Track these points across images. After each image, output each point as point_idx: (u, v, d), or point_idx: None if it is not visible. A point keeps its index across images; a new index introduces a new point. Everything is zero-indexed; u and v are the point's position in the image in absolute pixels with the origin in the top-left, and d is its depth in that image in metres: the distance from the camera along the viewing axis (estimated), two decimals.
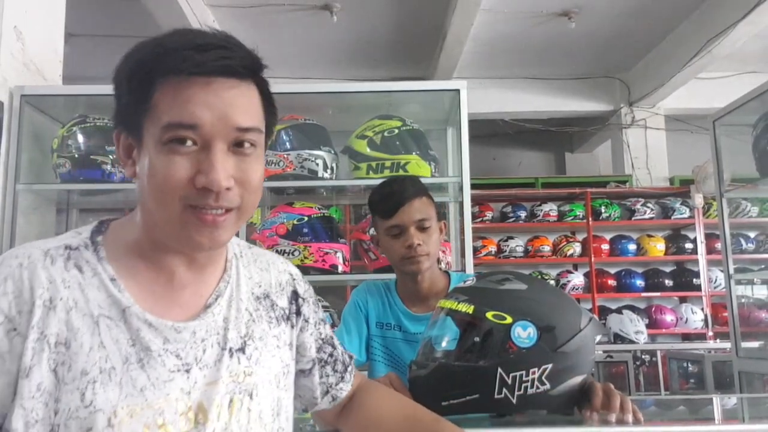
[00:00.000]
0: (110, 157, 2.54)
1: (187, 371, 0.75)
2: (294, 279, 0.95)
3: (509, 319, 1.12)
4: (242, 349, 0.81)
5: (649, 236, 5.74)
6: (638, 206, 5.71)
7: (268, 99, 0.80)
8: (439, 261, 2.46)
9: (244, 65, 0.75)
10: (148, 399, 0.72)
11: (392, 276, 1.72)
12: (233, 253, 0.88)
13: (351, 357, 1.04)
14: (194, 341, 0.77)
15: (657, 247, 5.65)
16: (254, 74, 0.78)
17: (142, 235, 0.79)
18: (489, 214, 5.82)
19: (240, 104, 0.74)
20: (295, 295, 0.93)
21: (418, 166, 2.52)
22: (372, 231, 2.58)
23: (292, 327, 0.91)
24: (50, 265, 0.74)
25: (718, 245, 3.69)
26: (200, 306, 0.80)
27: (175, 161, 0.72)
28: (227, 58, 0.73)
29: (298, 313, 0.92)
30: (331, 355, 0.97)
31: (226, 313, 0.82)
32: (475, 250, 5.45)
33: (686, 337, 5.54)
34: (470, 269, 2.44)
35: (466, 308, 1.15)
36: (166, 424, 0.72)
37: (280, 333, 0.87)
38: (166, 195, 0.72)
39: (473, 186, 2.53)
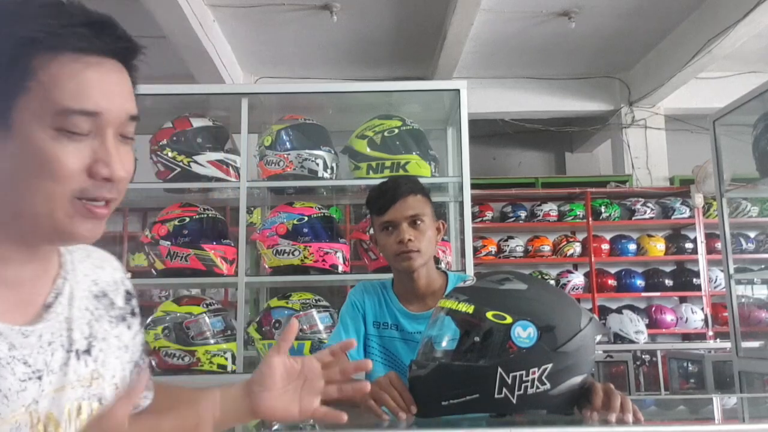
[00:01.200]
0: None
1: (39, 378, 0.69)
2: (124, 278, 0.89)
3: (509, 319, 1.12)
4: (88, 351, 0.76)
5: (649, 236, 5.74)
6: (638, 206, 5.71)
7: (134, 87, 0.76)
8: (438, 261, 2.47)
9: (134, 49, 0.72)
10: (1, 413, 0.64)
11: (392, 275, 1.72)
12: (65, 248, 0.81)
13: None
14: (41, 345, 0.70)
15: (657, 246, 5.65)
16: (133, 59, 0.74)
17: None
18: (489, 214, 5.82)
19: (128, 91, 0.72)
20: (128, 295, 0.88)
21: (418, 166, 2.52)
22: (371, 231, 2.59)
23: (128, 328, 0.85)
24: None
25: (718, 245, 3.69)
26: (39, 305, 0.73)
27: (68, 149, 0.66)
28: (122, 40, 0.70)
29: (133, 313, 0.88)
30: (143, 362, 0.92)
31: (68, 312, 0.75)
32: (475, 250, 5.45)
33: (686, 336, 5.54)
34: (470, 269, 2.44)
35: (466, 308, 1.15)
36: None
37: (120, 334, 0.83)
38: (56, 185, 0.66)
39: (473, 186, 2.53)
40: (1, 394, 0.65)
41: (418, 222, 1.57)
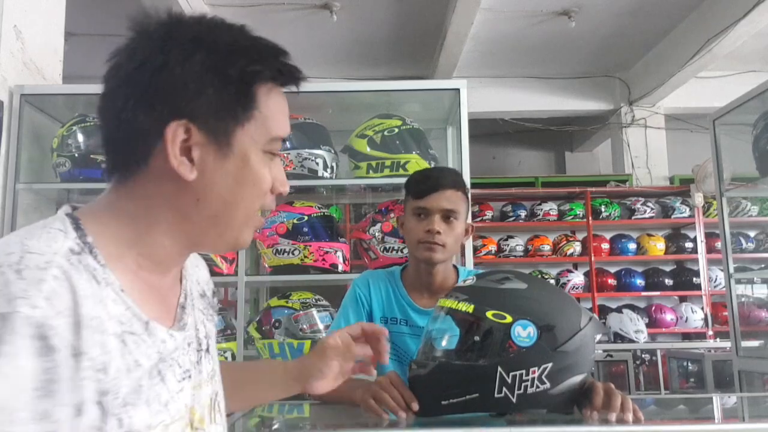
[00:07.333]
0: None
1: (189, 377, 0.73)
2: (208, 276, 0.95)
3: (509, 319, 1.12)
4: (208, 349, 0.81)
5: (649, 235, 5.74)
6: (638, 205, 5.71)
7: None
8: None
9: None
10: (171, 412, 0.69)
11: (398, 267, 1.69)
12: None
13: None
14: (185, 347, 0.74)
15: (657, 246, 5.65)
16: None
17: (153, 237, 0.72)
18: (489, 214, 5.82)
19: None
20: (213, 292, 0.94)
21: (418, 166, 2.52)
22: (374, 231, 2.59)
23: (213, 323, 0.92)
24: (77, 275, 0.63)
25: (718, 244, 3.69)
26: (174, 306, 0.77)
27: (266, 169, 0.76)
28: (298, 71, 0.79)
29: (214, 308, 0.94)
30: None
31: (193, 314, 0.80)
32: (475, 249, 5.45)
33: (686, 336, 5.54)
34: (470, 269, 2.44)
35: (466, 307, 1.15)
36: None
37: (213, 329, 0.89)
38: (258, 199, 0.75)
39: (473, 185, 2.53)
40: (170, 395, 0.69)
41: (451, 217, 1.54)
